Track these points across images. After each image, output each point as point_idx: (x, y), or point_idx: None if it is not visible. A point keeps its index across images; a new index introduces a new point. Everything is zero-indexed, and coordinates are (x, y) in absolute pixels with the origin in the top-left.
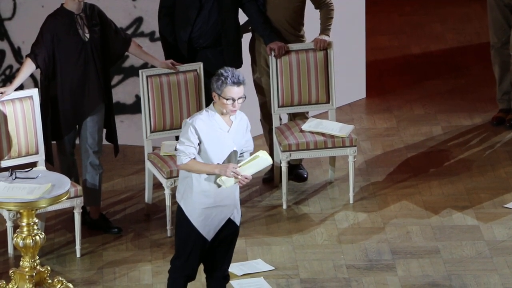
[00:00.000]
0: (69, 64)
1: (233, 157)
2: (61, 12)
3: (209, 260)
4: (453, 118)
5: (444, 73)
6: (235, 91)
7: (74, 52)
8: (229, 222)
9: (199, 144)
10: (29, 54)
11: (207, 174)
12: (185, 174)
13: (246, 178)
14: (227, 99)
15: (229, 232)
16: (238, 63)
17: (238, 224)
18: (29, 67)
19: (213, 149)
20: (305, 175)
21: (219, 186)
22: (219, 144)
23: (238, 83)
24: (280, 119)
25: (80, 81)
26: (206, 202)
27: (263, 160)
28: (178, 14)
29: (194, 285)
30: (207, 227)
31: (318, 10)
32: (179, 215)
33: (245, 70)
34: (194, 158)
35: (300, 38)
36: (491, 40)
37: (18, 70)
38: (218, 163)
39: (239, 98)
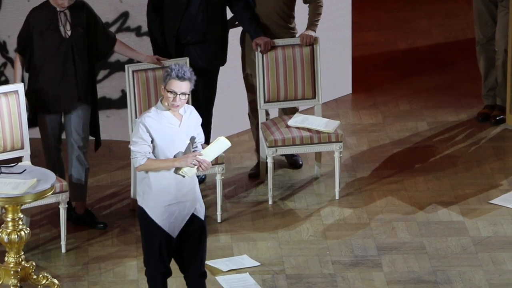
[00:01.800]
0: (47, 58)
1: (188, 151)
2: (45, 6)
3: (180, 258)
4: (438, 114)
5: (430, 69)
6: (177, 85)
7: (52, 47)
8: (194, 217)
9: (151, 142)
10: (17, 50)
11: (167, 170)
12: (142, 175)
13: (207, 164)
14: (169, 92)
15: (195, 227)
16: (222, 60)
17: (203, 218)
18: (20, 62)
19: (167, 145)
20: (300, 162)
21: (183, 177)
22: (172, 139)
23: (182, 77)
24: (268, 114)
25: (57, 76)
26: (167, 199)
27: (222, 143)
28: (167, 9)
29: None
30: (171, 225)
31: (307, 5)
32: (142, 217)
33: (233, 67)
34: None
35: (290, 31)
36: (476, 36)
37: (4, 64)
38: (175, 157)
39: (181, 94)
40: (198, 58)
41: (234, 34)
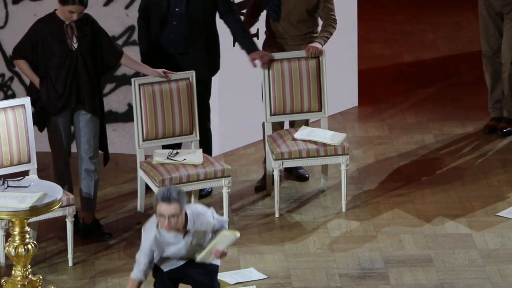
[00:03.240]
0: (53, 70)
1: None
2: (51, 18)
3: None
4: (445, 126)
5: (436, 81)
6: (164, 208)
7: (59, 59)
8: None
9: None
10: (14, 58)
11: None
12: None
13: (221, 254)
14: (159, 215)
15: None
16: (211, 71)
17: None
18: (25, 64)
19: (168, 253)
20: (307, 175)
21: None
22: (174, 249)
23: (167, 200)
24: (282, 126)
25: (62, 89)
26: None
27: (232, 236)
28: (152, 19)
29: None
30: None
31: (322, 21)
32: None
33: (239, 80)
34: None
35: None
36: (482, 48)
37: (11, 78)
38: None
39: (172, 216)
40: (185, 69)
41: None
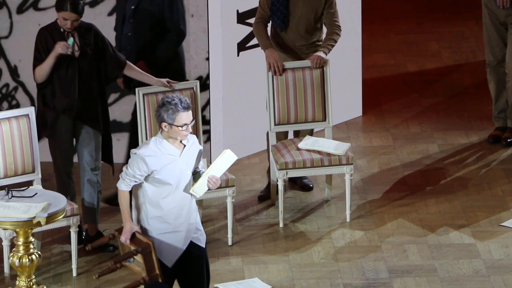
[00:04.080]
0: (55, 78)
1: (189, 180)
2: (54, 26)
3: (183, 285)
4: (449, 136)
5: (440, 91)
6: (187, 116)
7: (61, 68)
8: (193, 245)
9: (149, 175)
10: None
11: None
12: (140, 200)
13: (216, 180)
14: (181, 126)
15: (196, 256)
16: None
17: (204, 246)
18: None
19: (166, 176)
20: (311, 185)
21: (192, 197)
22: (172, 170)
23: (188, 107)
24: (286, 136)
25: (65, 97)
26: (163, 227)
27: (228, 157)
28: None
29: None
30: (165, 253)
31: (327, 28)
32: None
33: (243, 90)
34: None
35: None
36: (487, 58)
37: (15, 88)
38: (131, 219)
39: (191, 121)
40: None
41: (249, 56)
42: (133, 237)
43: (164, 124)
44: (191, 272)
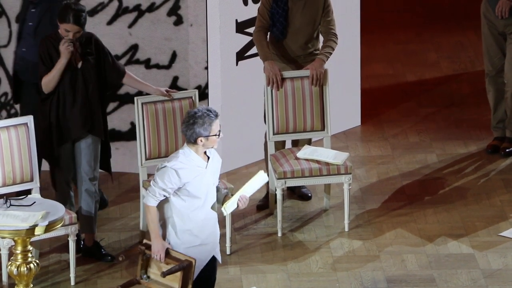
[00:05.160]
0: (57, 89)
1: (214, 192)
2: (56, 36)
3: None
4: (448, 146)
5: (439, 101)
6: (216, 123)
7: (63, 78)
8: (214, 259)
9: (179, 188)
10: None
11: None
12: (167, 213)
13: (246, 200)
14: (218, 135)
15: (212, 269)
16: None
17: (220, 260)
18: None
19: (196, 188)
20: (309, 194)
21: (223, 213)
22: (200, 181)
23: (217, 113)
24: (284, 146)
25: (67, 107)
26: (191, 241)
27: (261, 178)
28: None
29: None
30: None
31: (323, 36)
32: None
33: (240, 100)
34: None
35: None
36: (485, 68)
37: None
38: (159, 234)
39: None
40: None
41: (248, 65)
42: (167, 254)
43: (200, 138)
44: (208, 284)
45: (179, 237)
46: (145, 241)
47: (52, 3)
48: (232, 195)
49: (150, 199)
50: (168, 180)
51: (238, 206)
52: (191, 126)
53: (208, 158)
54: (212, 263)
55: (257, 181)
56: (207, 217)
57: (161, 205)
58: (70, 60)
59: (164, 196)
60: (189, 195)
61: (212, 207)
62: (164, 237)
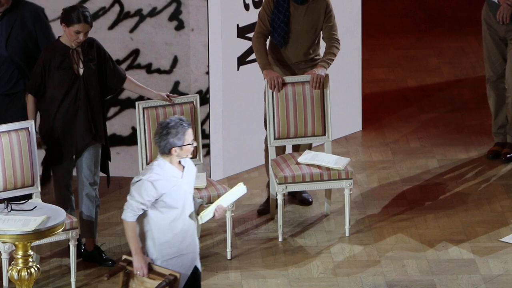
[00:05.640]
0: (60, 97)
1: (191, 201)
2: (56, 45)
3: None
4: (449, 151)
5: (440, 106)
6: (190, 133)
7: (65, 85)
8: (195, 269)
9: (156, 200)
10: (28, 89)
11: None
12: (145, 227)
13: (222, 210)
14: (191, 143)
15: (196, 280)
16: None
17: (200, 269)
18: (32, 101)
19: (173, 199)
20: (310, 199)
21: (198, 222)
22: (177, 192)
23: (189, 124)
24: (284, 151)
25: (70, 115)
26: (170, 252)
27: (240, 190)
28: None
29: None
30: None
31: (325, 42)
32: None
33: (242, 105)
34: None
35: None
36: (486, 73)
37: None
38: (140, 250)
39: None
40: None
41: (249, 70)
42: (150, 269)
43: (174, 149)
44: None
45: (158, 250)
46: (125, 257)
47: (22, 9)
48: (207, 204)
49: (128, 214)
50: (145, 194)
51: (214, 215)
52: (164, 137)
53: (184, 167)
54: (194, 273)
55: (236, 193)
56: (185, 227)
57: (139, 219)
58: (72, 67)
59: (143, 209)
60: (166, 206)
61: (190, 216)
62: (143, 250)
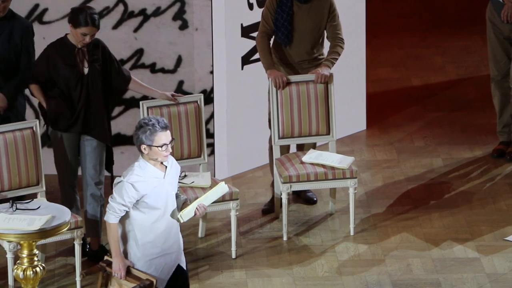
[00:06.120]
0: (64, 95)
1: (174, 201)
2: (63, 42)
3: None
4: (453, 150)
5: (444, 105)
6: (165, 136)
7: (70, 84)
8: (179, 268)
9: (138, 201)
10: (28, 82)
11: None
12: (128, 227)
13: (203, 209)
14: (161, 147)
15: (182, 279)
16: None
17: (186, 268)
18: (37, 88)
19: (154, 200)
20: (315, 199)
21: (178, 221)
22: (159, 192)
23: (166, 127)
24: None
25: (73, 113)
26: (154, 252)
27: (222, 188)
28: None
29: None
30: (159, 280)
31: (330, 42)
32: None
33: (247, 104)
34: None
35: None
36: (491, 72)
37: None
38: (120, 252)
39: (171, 142)
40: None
41: (253, 70)
42: (128, 272)
43: (143, 146)
44: None
45: (141, 250)
46: (106, 257)
47: (14, 22)
48: (191, 202)
49: (110, 216)
50: (126, 195)
51: (195, 214)
52: (136, 132)
53: (166, 167)
54: (178, 271)
55: (217, 191)
56: (168, 226)
57: (121, 220)
58: (77, 66)
59: (125, 211)
60: (148, 206)
61: (172, 215)
62: (125, 251)
